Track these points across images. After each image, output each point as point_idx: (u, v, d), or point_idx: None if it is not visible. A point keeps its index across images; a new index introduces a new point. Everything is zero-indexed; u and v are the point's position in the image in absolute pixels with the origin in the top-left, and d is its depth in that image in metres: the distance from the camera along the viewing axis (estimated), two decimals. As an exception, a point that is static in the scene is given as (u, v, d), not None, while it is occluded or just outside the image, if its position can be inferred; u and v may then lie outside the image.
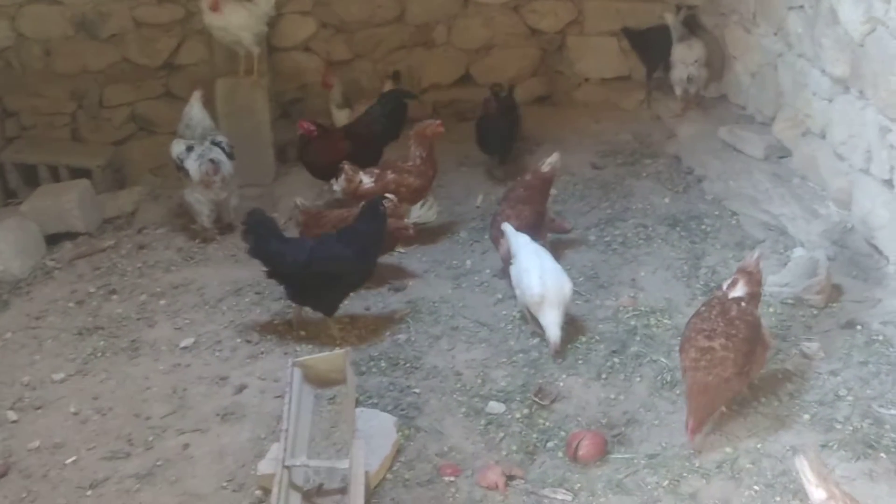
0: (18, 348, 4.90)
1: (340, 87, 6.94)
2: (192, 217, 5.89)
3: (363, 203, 5.01)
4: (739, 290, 4.00)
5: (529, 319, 4.67)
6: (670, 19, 6.85)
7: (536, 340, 4.61)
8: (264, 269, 4.82)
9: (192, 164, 5.71)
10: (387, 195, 5.07)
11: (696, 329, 3.89)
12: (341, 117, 6.81)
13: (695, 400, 3.74)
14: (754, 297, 4.03)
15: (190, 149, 5.75)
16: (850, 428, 3.88)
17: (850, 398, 4.06)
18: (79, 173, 6.51)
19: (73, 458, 4.06)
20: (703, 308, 4.03)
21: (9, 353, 4.86)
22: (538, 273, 4.51)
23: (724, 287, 4.09)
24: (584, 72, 7.61)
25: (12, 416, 4.36)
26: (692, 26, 6.99)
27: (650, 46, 7.07)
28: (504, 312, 4.92)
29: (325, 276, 4.67)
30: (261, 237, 4.76)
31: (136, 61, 7.04)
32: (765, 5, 6.13)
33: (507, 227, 4.85)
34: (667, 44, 6.87)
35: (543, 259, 4.64)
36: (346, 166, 5.62)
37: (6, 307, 5.29)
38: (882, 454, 3.72)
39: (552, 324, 4.44)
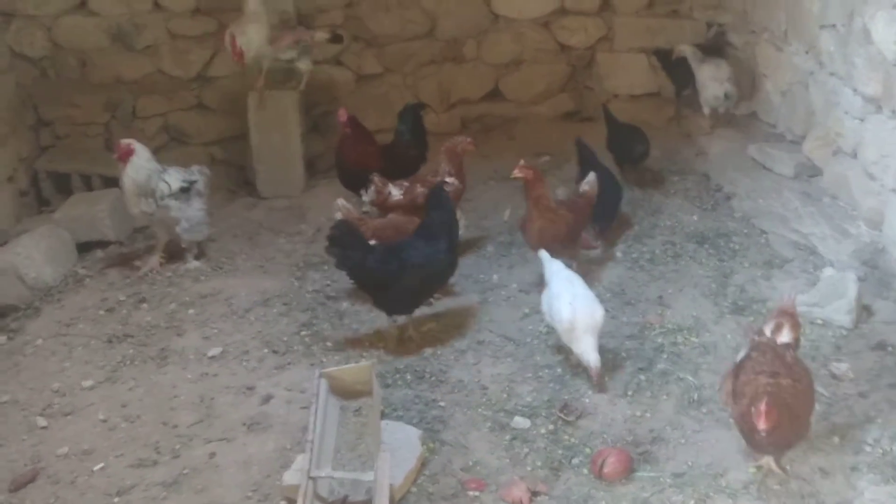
0: (49, 355, 4.96)
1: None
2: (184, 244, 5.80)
3: (428, 192, 5.08)
4: (786, 336, 3.74)
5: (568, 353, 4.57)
6: (688, 51, 6.85)
7: (562, 356, 4.60)
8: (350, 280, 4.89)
9: (201, 180, 5.76)
10: (446, 179, 5.10)
11: (754, 371, 3.60)
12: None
13: (769, 414, 3.42)
14: (797, 343, 3.81)
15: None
16: (880, 451, 3.83)
17: (879, 420, 4.01)
18: (111, 182, 6.56)
19: (101, 465, 4.09)
20: (753, 353, 3.72)
21: (39, 360, 4.92)
22: (569, 300, 4.42)
23: (768, 332, 3.80)
24: (613, 88, 7.61)
25: (42, 422, 4.41)
26: (714, 48, 6.97)
27: (679, 65, 7.05)
28: (530, 327, 4.92)
29: (419, 279, 4.72)
30: (347, 249, 4.76)
31: (170, 73, 7.13)
32: (796, 24, 6.12)
33: (543, 254, 4.81)
34: (696, 63, 6.88)
35: (576, 286, 4.53)
36: (376, 178, 5.65)
37: (38, 314, 5.35)
38: (912, 478, 3.68)
39: (588, 349, 4.33)
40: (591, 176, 5.34)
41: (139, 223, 6.09)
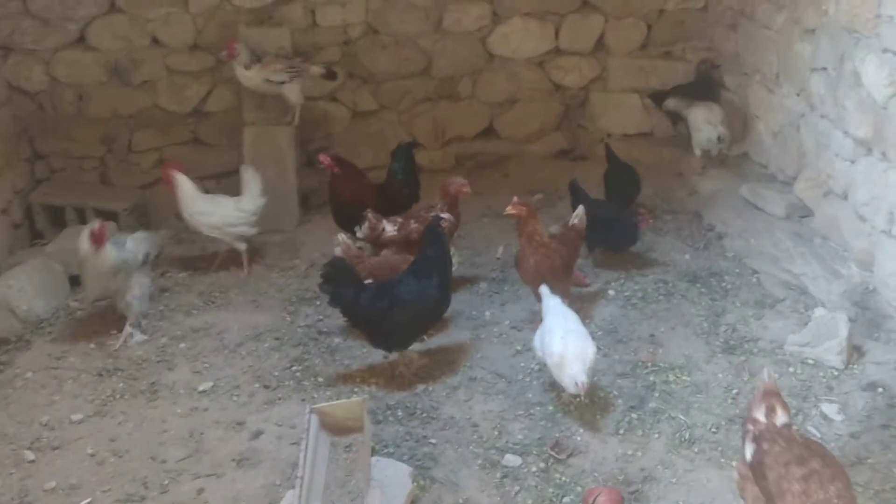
0: (39, 388, 4.93)
1: (245, 48, 6.65)
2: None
3: (425, 229, 5.10)
4: (782, 416, 3.47)
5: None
6: (671, 105, 7.03)
7: (554, 393, 4.60)
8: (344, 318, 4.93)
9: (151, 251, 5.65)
10: (441, 215, 5.12)
11: (780, 464, 3.28)
12: (251, 75, 6.67)
13: None
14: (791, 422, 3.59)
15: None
16: (871, 492, 3.83)
17: (870, 461, 4.01)
18: (105, 216, 6.58)
19: (89, 500, 4.06)
20: (764, 445, 3.39)
21: (29, 393, 4.90)
22: (561, 334, 4.42)
23: (763, 418, 3.49)
24: (606, 127, 7.67)
25: (30, 455, 4.38)
26: (705, 86, 7.04)
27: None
28: (522, 364, 4.91)
29: (410, 315, 4.73)
30: (340, 287, 4.76)
31: (166, 107, 7.17)
32: (788, 66, 6.18)
33: (543, 288, 4.81)
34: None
35: (569, 321, 4.54)
36: (370, 214, 5.67)
37: (28, 346, 5.33)
38: (903, 520, 3.67)
39: (579, 372, 4.28)
40: (580, 209, 5.38)
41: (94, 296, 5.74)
